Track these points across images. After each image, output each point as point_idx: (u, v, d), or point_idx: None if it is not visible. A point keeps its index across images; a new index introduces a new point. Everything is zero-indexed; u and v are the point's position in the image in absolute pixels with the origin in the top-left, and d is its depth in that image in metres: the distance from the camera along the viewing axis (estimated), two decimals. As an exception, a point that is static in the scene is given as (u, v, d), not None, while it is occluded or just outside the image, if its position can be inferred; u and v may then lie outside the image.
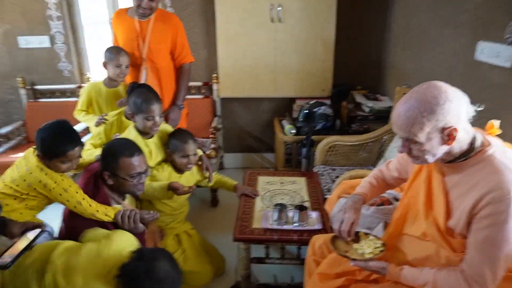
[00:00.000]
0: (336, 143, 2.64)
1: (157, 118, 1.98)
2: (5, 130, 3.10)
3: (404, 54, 2.82)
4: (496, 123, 1.22)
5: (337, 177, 2.48)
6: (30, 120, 3.24)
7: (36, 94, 3.36)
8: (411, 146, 1.15)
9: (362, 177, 1.74)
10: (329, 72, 3.12)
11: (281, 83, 3.16)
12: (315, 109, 2.96)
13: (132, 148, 1.63)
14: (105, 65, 2.36)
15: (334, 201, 1.86)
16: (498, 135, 1.22)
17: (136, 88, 2.06)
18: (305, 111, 2.98)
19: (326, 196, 2.15)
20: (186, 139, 2.08)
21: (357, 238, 1.41)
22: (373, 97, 3.14)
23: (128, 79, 2.51)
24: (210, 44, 3.24)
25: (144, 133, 2.05)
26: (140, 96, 1.97)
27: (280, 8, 2.90)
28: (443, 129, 1.08)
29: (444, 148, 1.12)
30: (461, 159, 1.15)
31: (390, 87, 3.10)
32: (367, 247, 1.34)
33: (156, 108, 1.97)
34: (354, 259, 1.29)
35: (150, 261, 1.18)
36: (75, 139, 1.58)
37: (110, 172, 1.60)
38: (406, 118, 1.11)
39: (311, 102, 3.03)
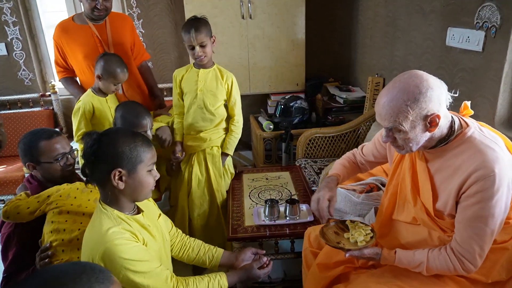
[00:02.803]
0: (316, 135, 2.67)
1: (149, 132, 1.91)
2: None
3: (373, 45, 2.89)
4: (469, 103, 1.27)
5: (320, 168, 2.51)
6: (-10, 134, 3.03)
7: (-6, 106, 3.15)
8: (395, 135, 1.17)
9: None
10: (301, 66, 3.15)
11: (256, 79, 3.15)
12: (291, 104, 2.97)
13: (48, 131, 1.54)
14: (99, 77, 2.04)
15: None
16: (471, 116, 1.26)
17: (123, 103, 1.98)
18: (282, 106, 2.99)
19: (313, 188, 2.16)
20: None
21: (345, 227, 1.41)
22: (346, 88, 3.20)
23: None
24: (180, 43, 3.17)
25: None
26: (130, 111, 1.89)
27: (250, 4, 2.89)
28: (426, 117, 1.11)
29: (427, 135, 1.15)
30: (442, 144, 1.18)
31: (361, 78, 3.17)
32: (358, 235, 1.33)
33: (148, 123, 1.90)
34: (348, 249, 1.29)
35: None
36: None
37: (33, 163, 1.50)
38: (390, 108, 1.13)
39: (287, 96, 3.04)
